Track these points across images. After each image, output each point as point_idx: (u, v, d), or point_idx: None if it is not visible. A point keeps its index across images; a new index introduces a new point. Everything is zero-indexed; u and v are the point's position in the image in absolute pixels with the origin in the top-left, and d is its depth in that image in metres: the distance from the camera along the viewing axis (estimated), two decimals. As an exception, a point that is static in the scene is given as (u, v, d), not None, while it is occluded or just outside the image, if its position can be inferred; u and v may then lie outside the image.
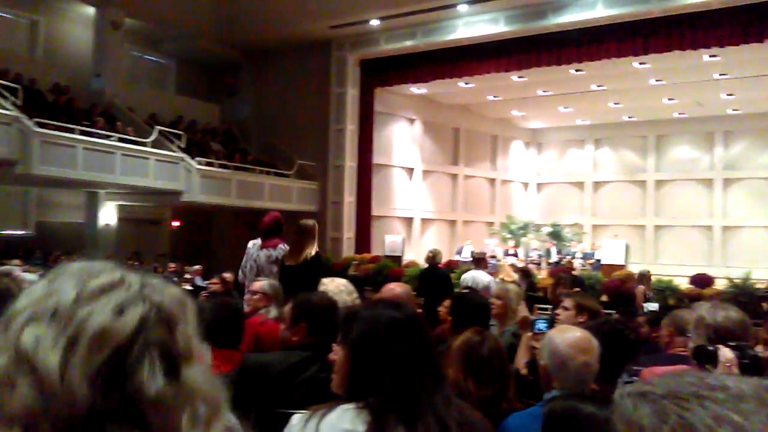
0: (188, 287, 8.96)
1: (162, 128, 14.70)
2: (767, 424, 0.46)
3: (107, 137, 13.14)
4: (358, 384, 1.62)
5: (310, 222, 5.38)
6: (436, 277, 8.74)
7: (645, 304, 8.00)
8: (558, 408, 1.74)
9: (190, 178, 14.22)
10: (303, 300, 2.87)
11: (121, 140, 13.37)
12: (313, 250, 5.20)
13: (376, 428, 1.51)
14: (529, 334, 3.26)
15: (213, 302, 3.65)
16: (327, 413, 1.58)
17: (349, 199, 17.02)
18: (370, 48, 16.36)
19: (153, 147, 13.79)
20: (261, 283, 4.26)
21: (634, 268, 14.77)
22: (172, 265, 13.17)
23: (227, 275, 6.42)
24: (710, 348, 1.82)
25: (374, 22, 15.36)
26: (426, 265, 9.42)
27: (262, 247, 5.34)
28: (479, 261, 8.60)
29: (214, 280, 5.68)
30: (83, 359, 0.62)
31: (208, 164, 14.98)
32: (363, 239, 17.04)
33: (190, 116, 17.10)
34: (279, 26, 16.08)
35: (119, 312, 0.65)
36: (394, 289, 3.92)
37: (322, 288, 3.67)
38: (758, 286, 11.45)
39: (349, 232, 17.01)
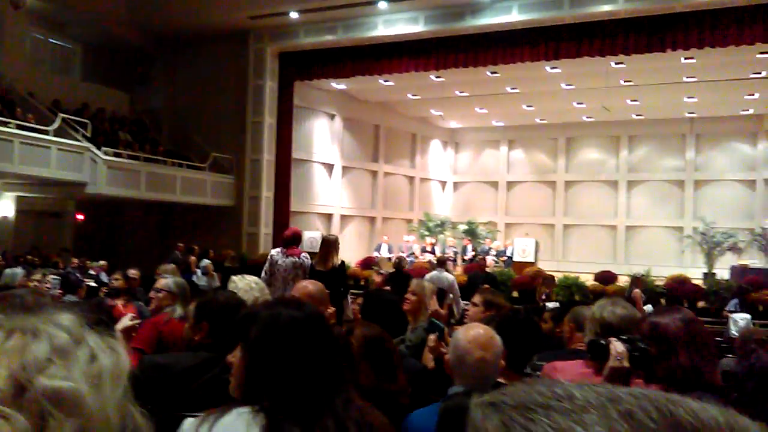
0: (92, 284, 8.52)
1: (66, 116, 13.95)
2: None
3: (5, 124, 12.33)
4: (254, 386, 1.56)
5: (333, 236, 6.67)
6: (403, 278, 9.95)
7: (645, 308, 7.86)
8: (452, 404, 1.74)
9: (95, 169, 13.55)
10: (207, 299, 2.77)
11: (20, 127, 12.58)
12: (337, 259, 6.33)
13: (271, 432, 1.46)
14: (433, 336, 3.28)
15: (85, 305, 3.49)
16: (220, 417, 1.51)
17: (267, 194, 16.75)
18: (290, 40, 16.14)
19: (55, 135, 13.05)
20: (166, 281, 4.07)
21: (543, 265, 15.38)
22: (75, 260, 12.49)
23: (133, 272, 6.11)
24: (602, 342, 1.89)
25: (294, 15, 15.15)
26: (393, 270, 10.79)
27: (286, 255, 6.17)
28: (442, 263, 9.42)
29: (116, 276, 5.42)
30: (112, 392, 0.66)
31: (116, 155, 14.33)
32: (281, 235, 16.78)
33: (97, 104, 16.31)
34: (195, 14, 15.55)
35: (114, 350, 0.70)
36: (307, 286, 3.84)
37: (231, 285, 3.56)
38: (657, 282, 12.19)
39: (266, 228, 16.74)
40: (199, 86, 17.06)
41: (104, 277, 10.25)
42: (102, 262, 11.53)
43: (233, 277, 3.68)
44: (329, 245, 6.40)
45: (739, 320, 9.18)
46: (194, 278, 11.78)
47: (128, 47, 17.75)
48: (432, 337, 2.97)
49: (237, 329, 1.70)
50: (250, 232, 16.66)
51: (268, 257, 6.33)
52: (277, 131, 16.85)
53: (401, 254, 17.29)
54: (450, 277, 8.55)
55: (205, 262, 12.55)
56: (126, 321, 3.56)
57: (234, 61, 16.57)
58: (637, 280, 9.84)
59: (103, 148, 13.93)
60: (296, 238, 6.41)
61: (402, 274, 10.61)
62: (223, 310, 2.61)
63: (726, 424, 0.47)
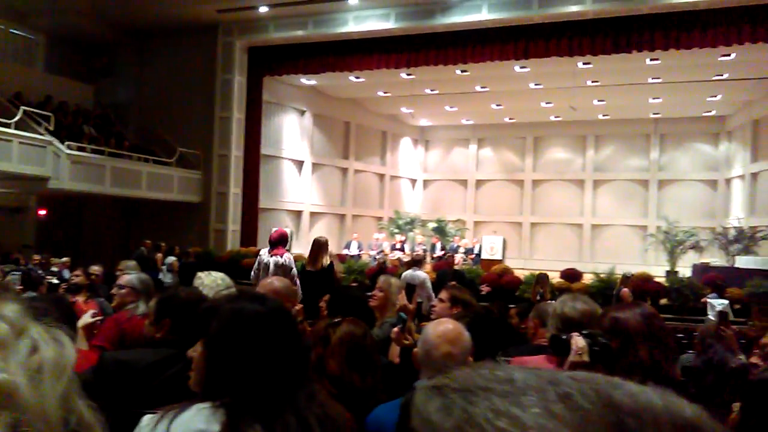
0: (54, 280, 8.34)
1: (28, 108, 13.59)
2: (544, 416, 0.47)
3: (-38, 116, 11.95)
4: (215, 381, 1.53)
5: (323, 238, 7.01)
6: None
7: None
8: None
9: (58, 163, 13.23)
10: (168, 295, 2.72)
11: (-22, 120, 12.20)
12: (326, 260, 6.66)
13: (231, 428, 1.43)
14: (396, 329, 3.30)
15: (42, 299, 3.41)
16: (180, 412, 1.48)
17: (235, 190, 16.57)
18: (259, 35, 15.99)
19: (17, 128, 12.72)
20: (129, 277, 3.99)
21: (510, 263, 15.54)
22: (37, 256, 12.19)
23: (95, 268, 5.99)
24: (563, 337, 1.91)
25: (263, 9, 15.00)
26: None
27: (271, 254, 6.48)
28: (418, 262, 9.49)
29: (76, 273, 5.30)
30: (53, 386, 0.65)
31: (80, 149, 14.02)
32: (249, 232, 16.66)
33: (61, 97, 15.93)
34: (162, 5, 15.26)
35: (59, 342, 0.68)
36: (273, 282, 3.80)
37: (197, 282, 3.51)
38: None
39: (234, 225, 16.56)
40: (166, 80, 16.79)
41: (67, 274, 10.00)
42: (65, 259, 11.27)
43: (199, 273, 3.62)
44: (319, 246, 6.73)
45: (717, 305, 9.40)
46: (160, 276, 11.61)
47: (93, 39, 17.36)
48: (395, 329, 2.98)
49: (198, 323, 1.67)
50: (218, 229, 16.47)
51: (257, 257, 6.71)
52: (245, 127, 16.68)
53: (371, 252, 17.35)
54: (422, 275, 8.72)
55: (171, 259, 12.37)
56: (87, 318, 3.49)
57: (202, 55, 16.35)
58: (626, 279, 9.82)
59: (67, 142, 13.61)
60: (282, 240, 6.68)
61: (385, 272, 10.81)
62: (185, 306, 2.56)
63: (664, 407, 0.48)
